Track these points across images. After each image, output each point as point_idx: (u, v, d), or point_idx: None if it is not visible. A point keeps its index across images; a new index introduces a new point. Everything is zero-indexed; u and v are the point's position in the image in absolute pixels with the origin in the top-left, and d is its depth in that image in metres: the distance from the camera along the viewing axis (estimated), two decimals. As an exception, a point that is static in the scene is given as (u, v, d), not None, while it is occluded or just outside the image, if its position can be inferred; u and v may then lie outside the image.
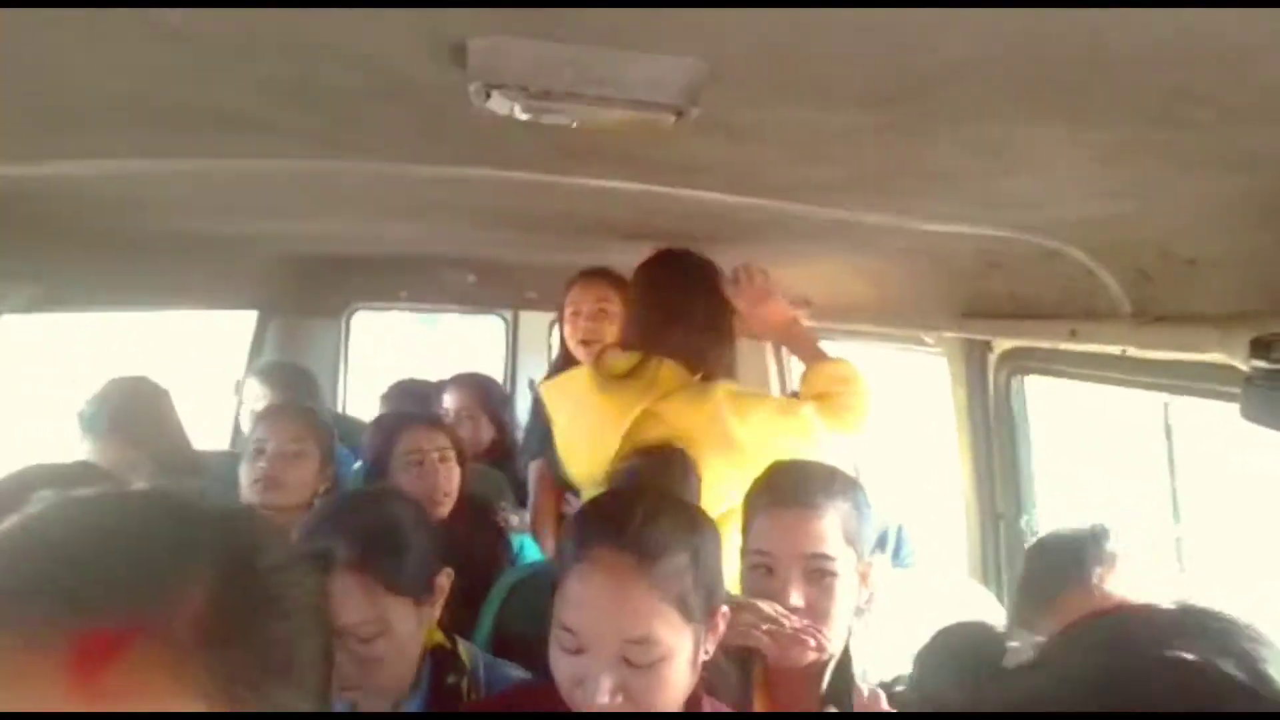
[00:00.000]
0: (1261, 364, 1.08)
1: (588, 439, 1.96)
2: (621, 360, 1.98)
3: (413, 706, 1.49)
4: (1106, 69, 0.67)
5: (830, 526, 1.53)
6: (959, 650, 1.07)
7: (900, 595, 1.95)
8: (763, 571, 1.53)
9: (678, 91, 0.72)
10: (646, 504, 1.26)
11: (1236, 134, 0.82)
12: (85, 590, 0.46)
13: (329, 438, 2.38)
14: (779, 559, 1.52)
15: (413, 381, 3.55)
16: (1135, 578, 1.38)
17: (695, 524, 1.28)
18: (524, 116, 0.76)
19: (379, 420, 2.78)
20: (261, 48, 0.75)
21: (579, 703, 1.18)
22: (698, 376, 1.98)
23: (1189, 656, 0.50)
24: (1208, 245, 1.29)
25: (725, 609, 1.30)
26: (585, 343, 2.68)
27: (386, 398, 3.46)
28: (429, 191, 1.69)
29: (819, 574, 1.51)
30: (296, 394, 3.09)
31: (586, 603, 1.19)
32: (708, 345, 2.03)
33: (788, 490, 1.56)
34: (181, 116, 1.07)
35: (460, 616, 1.73)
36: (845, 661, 1.58)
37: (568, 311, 2.78)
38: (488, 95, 0.73)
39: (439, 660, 1.53)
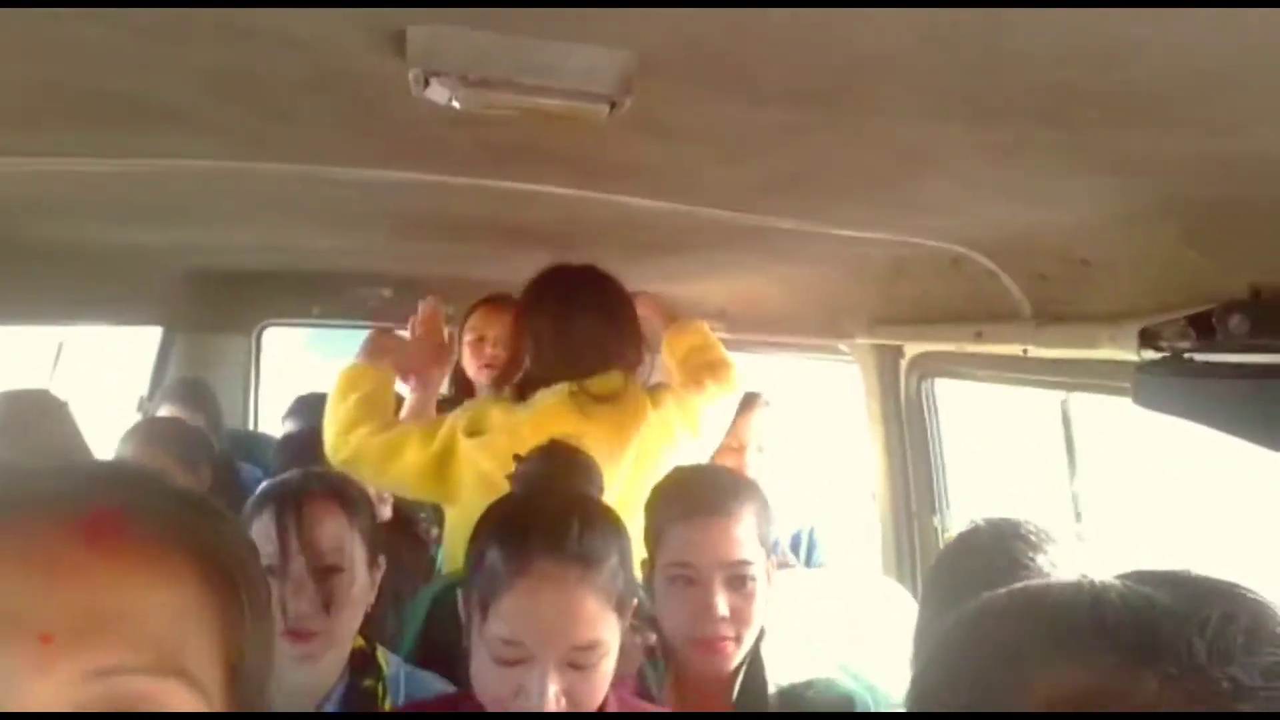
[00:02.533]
0: (1150, 353, 1.16)
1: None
2: (604, 382, 1.95)
3: (329, 707, 1.48)
4: (1001, 66, 0.72)
5: (746, 532, 1.55)
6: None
7: (818, 594, 2.00)
8: (683, 582, 1.54)
9: (611, 81, 0.75)
10: (579, 510, 1.27)
11: (1119, 135, 0.89)
12: (84, 481, 0.55)
13: (191, 446, 2.37)
14: (700, 569, 1.53)
15: (314, 395, 3.45)
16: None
17: (618, 524, 1.31)
18: (460, 105, 0.78)
19: (285, 440, 2.71)
20: (195, 31, 0.75)
21: (519, 708, 1.18)
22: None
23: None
24: (1100, 247, 1.38)
25: (635, 599, 1.34)
26: (489, 367, 2.65)
27: (290, 414, 3.37)
28: (350, 196, 1.69)
29: (740, 580, 1.53)
30: (200, 411, 3.05)
31: (534, 615, 1.19)
32: (642, 358, 2.07)
33: (704, 499, 1.56)
34: (97, 107, 1.05)
35: (382, 626, 1.72)
36: (757, 662, 1.62)
37: (469, 338, 2.75)
38: (426, 83, 0.75)
39: (356, 663, 1.52)
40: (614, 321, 2.01)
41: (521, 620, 1.19)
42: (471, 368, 2.74)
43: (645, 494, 1.72)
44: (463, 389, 2.82)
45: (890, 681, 1.67)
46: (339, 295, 3.86)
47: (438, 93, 0.76)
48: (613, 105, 0.79)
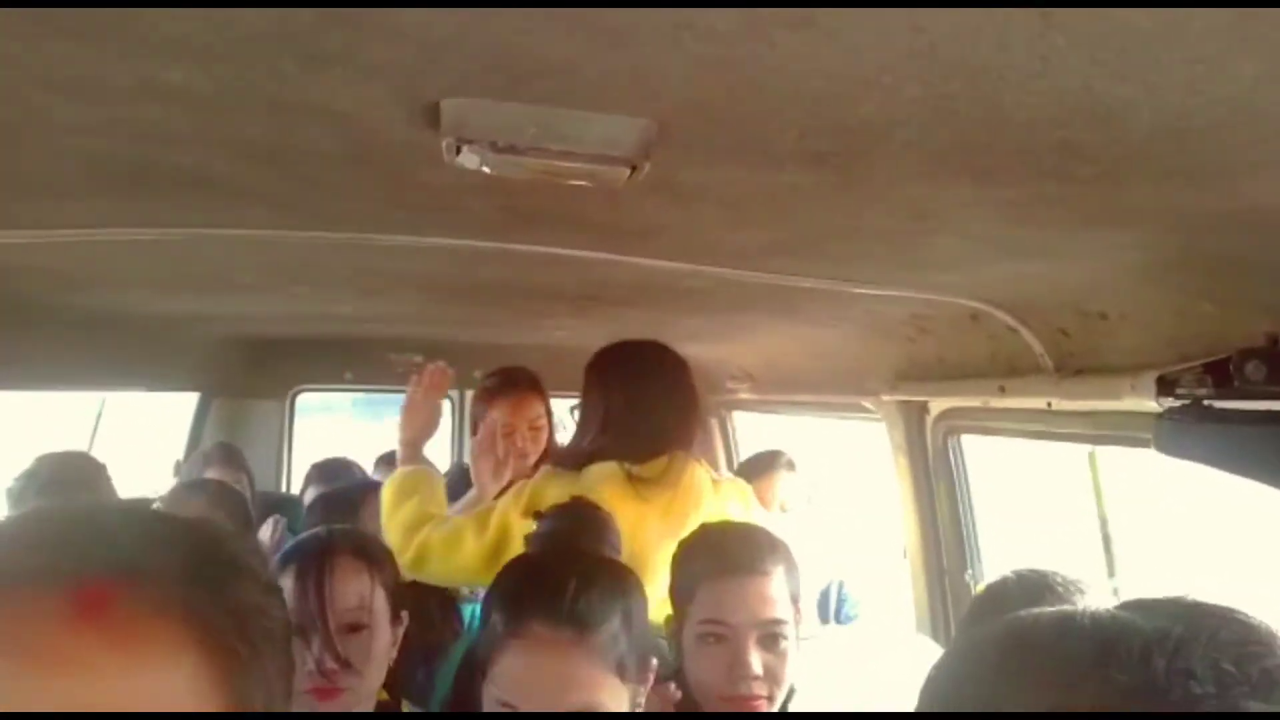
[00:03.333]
0: (1169, 401, 1.17)
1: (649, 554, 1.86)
2: (654, 466, 1.94)
3: None
4: (1001, 127, 0.76)
5: (779, 590, 1.55)
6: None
7: (849, 651, 1.99)
8: (715, 640, 1.53)
9: (630, 147, 0.79)
10: (578, 572, 1.26)
11: (1118, 191, 0.92)
12: (79, 549, 0.52)
13: (239, 508, 2.43)
14: (733, 627, 1.52)
15: (333, 461, 3.51)
16: None
17: (624, 584, 1.29)
18: (490, 171, 0.82)
19: (312, 505, 2.75)
20: (244, 106, 0.81)
21: None
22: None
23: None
24: (1116, 301, 1.40)
25: (654, 660, 1.31)
26: (521, 457, 2.62)
27: (308, 482, 3.42)
28: (382, 262, 1.75)
29: (773, 639, 1.53)
30: (242, 473, 3.14)
31: (526, 679, 1.19)
32: (695, 439, 2.05)
33: (738, 557, 1.56)
34: (144, 181, 1.11)
35: (410, 682, 1.73)
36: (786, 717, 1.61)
37: (498, 425, 2.73)
38: (458, 150, 0.79)
39: (385, 714, 1.53)
40: (674, 401, 2.01)
41: (516, 683, 1.20)
42: (500, 449, 2.70)
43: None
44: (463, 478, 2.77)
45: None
46: (370, 360, 3.94)
47: (469, 159, 0.81)
48: (633, 169, 0.83)
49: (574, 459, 2.01)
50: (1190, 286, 1.24)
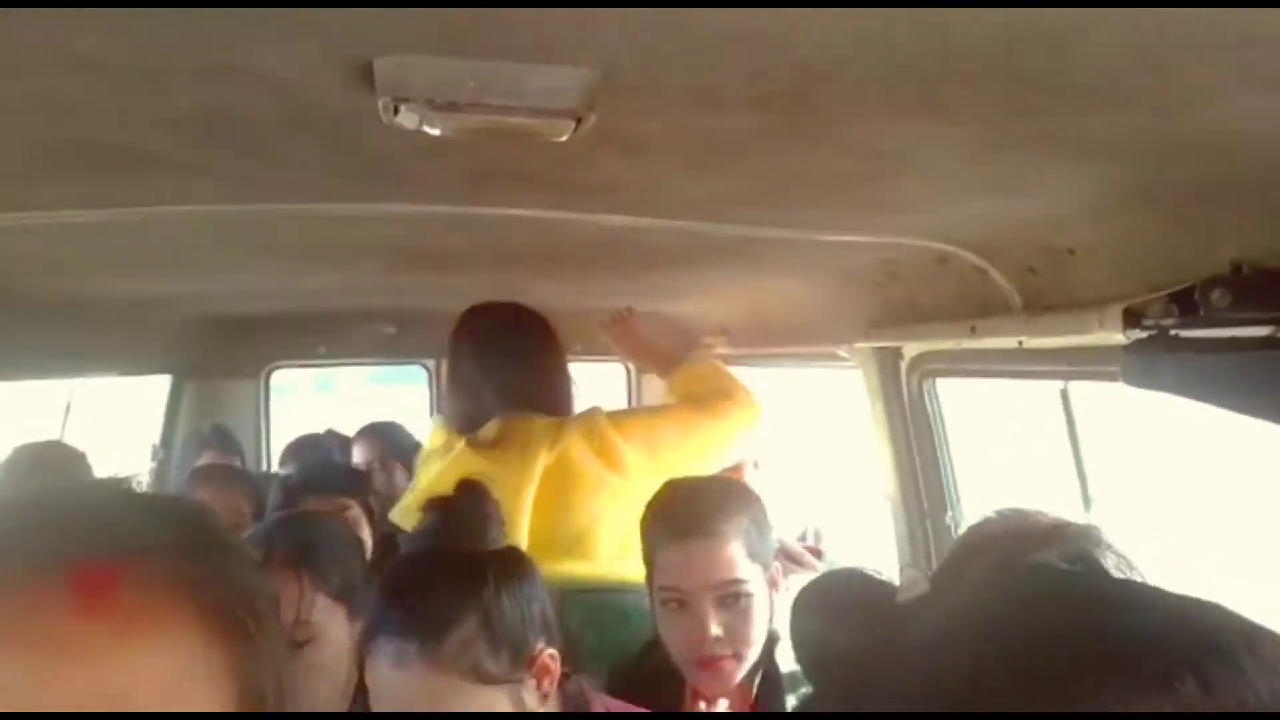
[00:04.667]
0: (1135, 333, 1.17)
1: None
2: (487, 429, 1.96)
3: None
4: (950, 58, 0.74)
5: (735, 550, 1.54)
6: (837, 591, 1.08)
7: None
8: (675, 605, 1.54)
9: (574, 98, 0.77)
10: (423, 575, 1.22)
11: (1081, 120, 0.90)
12: (78, 531, 0.50)
13: (250, 491, 2.47)
14: (690, 592, 1.53)
15: (305, 438, 3.51)
16: None
17: (482, 579, 1.21)
18: (430, 129, 0.80)
19: (283, 481, 2.73)
20: (173, 77, 0.78)
21: None
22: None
23: (1046, 559, 0.55)
24: (1083, 235, 1.39)
25: (551, 650, 1.26)
26: None
27: (285, 455, 3.41)
28: (340, 232, 1.71)
29: (733, 598, 1.53)
30: (236, 455, 3.27)
31: (383, 694, 1.18)
32: (564, 389, 2.09)
33: (688, 520, 1.55)
34: (81, 158, 1.07)
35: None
36: (771, 669, 1.62)
37: None
38: (396, 110, 0.77)
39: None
40: (513, 367, 2.03)
41: (377, 698, 1.19)
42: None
43: (563, 535, 1.79)
44: None
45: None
46: (344, 334, 3.90)
47: (407, 119, 0.78)
48: (578, 121, 0.80)
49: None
50: (1157, 216, 1.23)
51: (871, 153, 1.07)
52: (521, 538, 1.80)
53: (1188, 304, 1.10)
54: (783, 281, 2.38)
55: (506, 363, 2.03)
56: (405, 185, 1.26)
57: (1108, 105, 0.86)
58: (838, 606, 0.93)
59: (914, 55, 0.73)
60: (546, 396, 2.03)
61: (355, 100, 0.80)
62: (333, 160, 1.09)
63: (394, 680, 1.16)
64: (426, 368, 4.29)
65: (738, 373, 3.68)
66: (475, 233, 1.70)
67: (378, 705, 1.18)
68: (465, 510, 1.31)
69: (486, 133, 0.81)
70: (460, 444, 1.97)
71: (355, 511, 2.22)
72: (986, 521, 1.57)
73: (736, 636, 1.54)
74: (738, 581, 1.53)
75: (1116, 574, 0.60)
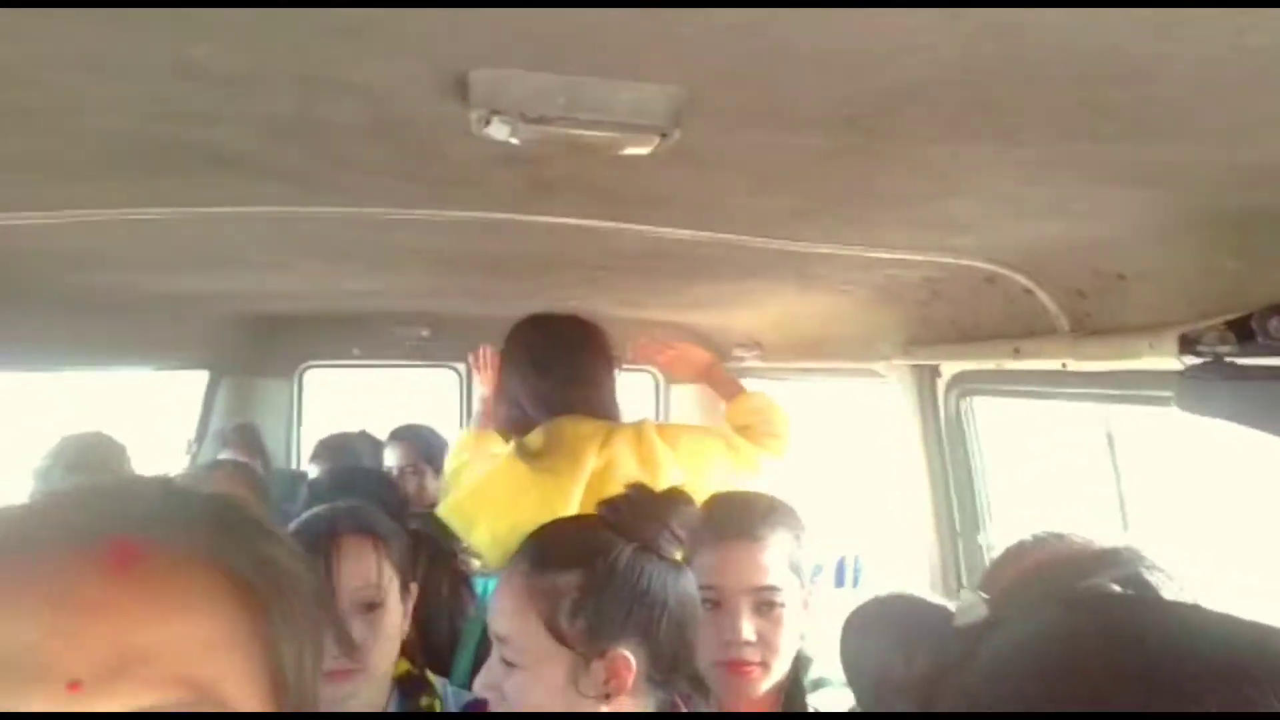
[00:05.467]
0: (1190, 359, 1.18)
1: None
2: (538, 434, 2.01)
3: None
4: (1028, 87, 0.76)
5: (775, 557, 1.56)
6: (891, 616, 1.07)
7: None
8: (710, 606, 1.54)
9: (661, 115, 0.79)
10: (573, 529, 1.38)
11: (1144, 149, 0.91)
12: (115, 509, 0.54)
13: (254, 487, 2.49)
14: (726, 592, 1.54)
15: (338, 436, 3.53)
16: None
17: (607, 554, 1.27)
18: (519, 142, 0.82)
19: (314, 482, 2.74)
20: (267, 81, 0.81)
21: (474, 685, 1.31)
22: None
23: (1102, 583, 0.56)
24: (1134, 260, 1.40)
25: (626, 654, 1.26)
26: None
27: (315, 457, 3.44)
28: (394, 237, 1.74)
29: (767, 605, 1.55)
30: (258, 455, 3.21)
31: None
32: (610, 402, 2.12)
33: (732, 523, 1.58)
34: (165, 159, 1.10)
35: (431, 664, 1.74)
36: (796, 689, 1.63)
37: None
38: (488, 122, 0.79)
39: (408, 687, 1.56)
40: (566, 375, 2.07)
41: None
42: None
43: None
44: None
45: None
46: (378, 336, 3.95)
47: (498, 130, 0.80)
48: (662, 136, 0.83)
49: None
50: (1211, 243, 1.24)
51: (933, 172, 1.08)
52: None
53: (1244, 331, 1.11)
54: (822, 296, 2.40)
55: (561, 373, 2.07)
56: (472, 192, 1.28)
57: (1174, 134, 0.88)
58: (892, 630, 0.93)
59: (994, 81, 0.74)
60: (597, 407, 2.06)
61: (448, 111, 0.83)
62: (409, 167, 1.12)
63: (500, 589, 1.29)
64: (458, 372, 4.33)
65: (766, 386, 3.73)
66: (524, 239, 1.73)
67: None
68: (655, 506, 1.37)
69: (571, 145, 0.83)
70: (508, 448, 2.01)
71: None
72: (1023, 545, 1.57)
73: (767, 644, 1.55)
74: (774, 589, 1.55)
75: (1167, 595, 0.61)
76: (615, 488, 1.92)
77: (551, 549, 1.28)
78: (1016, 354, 1.75)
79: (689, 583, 1.34)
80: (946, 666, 0.56)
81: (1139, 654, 0.48)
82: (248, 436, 3.39)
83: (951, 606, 1.78)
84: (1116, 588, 0.58)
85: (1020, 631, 0.55)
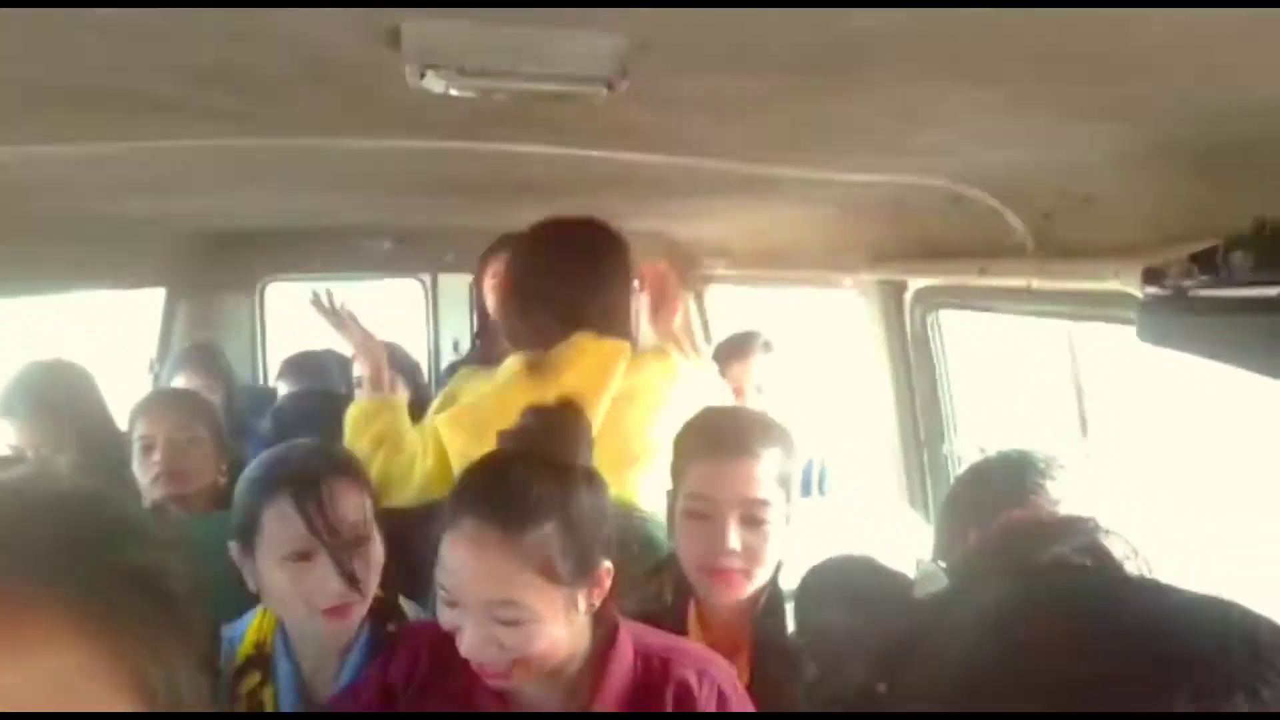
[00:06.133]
0: (1154, 290, 1.17)
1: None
2: (561, 352, 1.88)
3: (354, 655, 1.53)
4: (1001, 33, 0.72)
5: (765, 472, 1.58)
6: (849, 581, 1.08)
7: (832, 520, 2.04)
8: (699, 516, 1.58)
9: (607, 65, 0.75)
10: (516, 473, 1.29)
11: (1114, 87, 0.88)
12: None
13: (217, 418, 2.30)
14: (717, 503, 1.57)
15: (305, 355, 3.44)
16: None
17: (569, 489, 1.29)
18: (458, 93, 0.78)
19: (276, 411, 2.69)
20: (192, 32, 0.75)
21: (463, 651, 1.25)
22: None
23: (1063, 553, 0.55)
24: (1102, 183, 1.37)
25: (608, 565, 1.32)
26: None
27: (280, 376, 3.37)
28: (347, 163, 1.68)
29: (755, 519, 1.57)
30: (214, 377, 3.08)
31: (454, 568, 1.24)
32: (623, 328, 1.96)
33: (726, 437, 1.60)
34: (93, 101, 1.05)
35: (406, 577, 1.75)
36: (775, 596, 1.67)
37: (491, 281, 2.75)
38: (422, 75, 0.74)
39: (377, 611, 1.56)
40: (588, 284, 1.91)
41: (448, 573, 1.24)
42: (497, 312, 2.74)
43: (624, 460, 1.78)
44: (489, 333, 2.81)
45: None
46: (341, 249, 3.85)
47: (434, 83, 0.76)
48: (609, 86, 0.78)
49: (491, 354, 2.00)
50: (1177, 170, 1.22)
51: (899, 109, 1.05)
52: None
53: (1208, 263, 1.10)
54: (790, 210, 2.36)
55: (580, 282, 1.91)
56: (420, 125, 1.23)
57: (1147, 74, 0.84)
58: (849, 597, 0.93)
59: (966, 28, 0.71)
60: (618, 322, 1.93)
61: (380, 62, 0.78)
62: (347, 107, 1.07)
63: (470, 558, 1.23)
64: (423, 283, 4.26)
65: (740, 294, 3.71)
66: (488, 165, 1.67)
67: (448, 579, 1.24)
68: (566, 425, 1.38)
69: (515, 97, 0.78)
70: (520, 361, 1.90)
71: None
72: (986, 460, 1.59)
73: (752, 554, 1.57)
74: (762, 502, 1.57)
75: (1129, 566, 0.61)
76: (636, 415, 1.92)
77: (519, 506, 1.24)
78: (982, 273, 1.74)
79: (604, 491, 1.37)
80: (909, 638, 0.57)
81: (1098, 628, 0.48)
82: (204, 357, 3.24)
83: (914, 538, 1.82)
84: (1078, 559, 0.57)
85: (981, 604, 0.55)
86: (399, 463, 1.95)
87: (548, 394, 1.80)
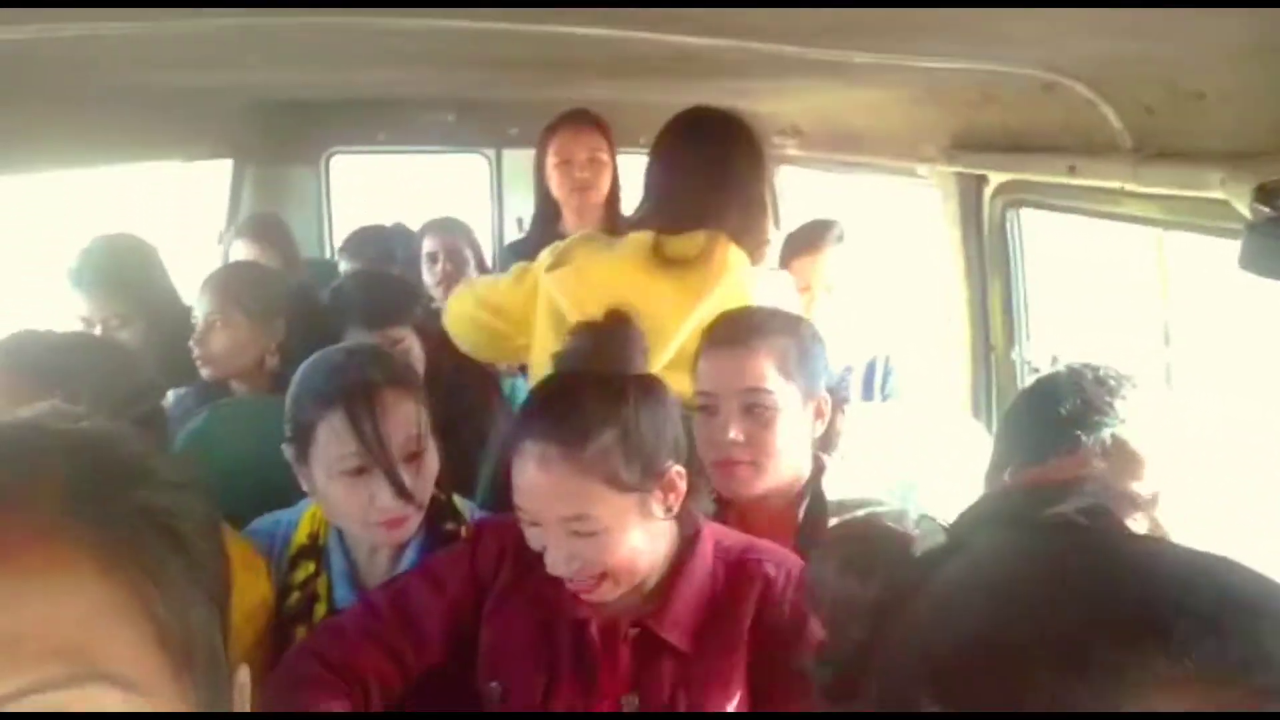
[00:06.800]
0: (1264, 210, 1.05)
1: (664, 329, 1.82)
2: (685, 242, 1.89)
3: (411, 552, 1.55)
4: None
5: (765, 363, 1.58)
6: (853, 538, 1.06)
7: (890, 428, 1.99)
8: (704, 411, 1.60)
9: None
10: (569, 390, 1.32)
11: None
12: None
13: (262, 297, 2.25)
14: (719, 397, 1.59)
15: (368, 230, 3.36)
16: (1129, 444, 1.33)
17: (623, 399, 1.30)
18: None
19: (333, 291, 2.58)
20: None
21: (549, 567, 1.29)
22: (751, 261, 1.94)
23: (1066, 512, 0.54)
24: (1217, 79, 1.23)
25: (678, 468, 1.33)
26: (581, 190, 2.61)
27: (345, 248, 3.34)
28: (397, 41, 1.60)
29: (757, 408, 1.57)
30: (273, 248, 3.07)
31: (525, 490, 1.28)
32: (761, 225, 1.98)
33: (725, 332, 1.63)
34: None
35: (457, 470, 1.76)
36: (818, 493, 1.65)
37: (554, 160, 2.68)
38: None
39: (432, 510, 1.56)
40: (720, 180, 1.91)
41: (517, 491, 1.29)
42: (560, 192, 2.68)
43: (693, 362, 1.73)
44: (550, 214, 2.76)
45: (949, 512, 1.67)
46: (404, 121, 3.80)
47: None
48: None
49: (621, 226, 2.01)
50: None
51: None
52: (667, 357, 1.81)
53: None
54: (866, 92, 2.22)
55: (701, 176, 1.92)
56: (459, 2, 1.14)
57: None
58: (851, 552, 0.92)
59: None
60: (734, 220, 1.92)
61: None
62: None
63: (537, 478, 1.26)
64: (487, 157, 4.19)
65: (811, 178, 3.56)
66: (543, 45, 1.58)
67: (519, 498, 1.28)
68: (615, 338, 1.39)
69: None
70: (645, 241, 1.91)
71: (406, 343, 2.12)
72: (1054, 375, 1.50)
73: (757, 444, 1.58)
74: (763, 391, 1.57)
75: (1132, 526, 0.59)
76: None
77: (575, 421, 1.26)
78: (1072, 170, 1.61)
79: (669, 393, 1.39)
80: (900, 591, 0.57)
81: (1088, 584, 0.49)
82: (265, 228, 3.20)
83: (974, 452, 1.76)
84: (1080, 519, 0.56)
85: (972, 559, 0.55)
86: (481, 285, 2.11)
87: (657, 283, 1.81)
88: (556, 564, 1.27)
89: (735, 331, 1.61)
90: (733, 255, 1.90)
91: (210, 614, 0.53)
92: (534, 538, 1.29)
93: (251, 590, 1.47)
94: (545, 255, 1.99)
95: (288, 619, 1.53)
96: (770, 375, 1.58)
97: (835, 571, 0.58)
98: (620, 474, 1.26)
